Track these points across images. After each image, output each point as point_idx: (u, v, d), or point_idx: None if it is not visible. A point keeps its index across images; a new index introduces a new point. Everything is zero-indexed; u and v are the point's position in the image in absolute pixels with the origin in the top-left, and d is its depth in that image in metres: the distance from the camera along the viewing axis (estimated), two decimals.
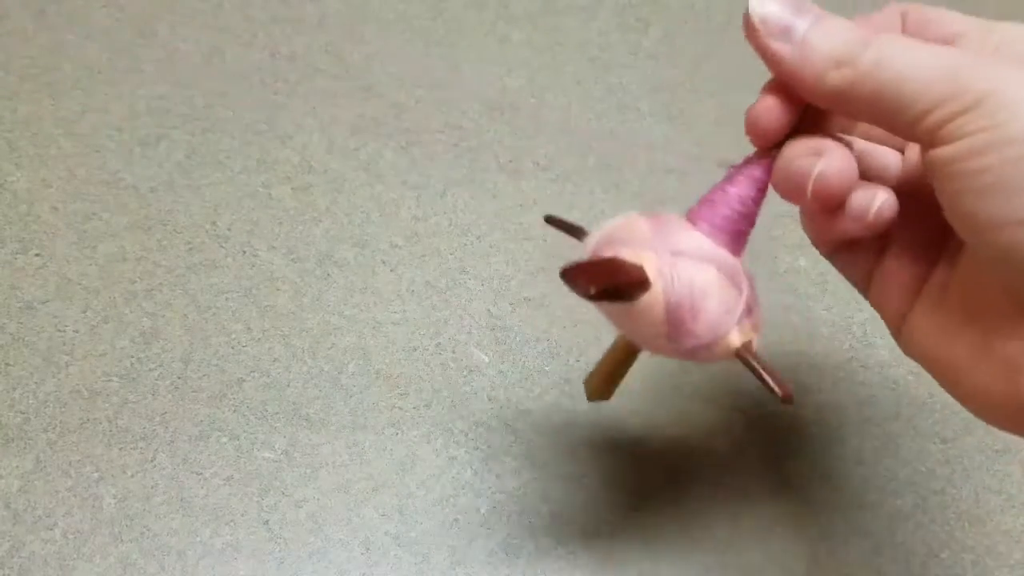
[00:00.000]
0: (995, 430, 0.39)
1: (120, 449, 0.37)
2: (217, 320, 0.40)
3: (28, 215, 0.43)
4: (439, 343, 0.40)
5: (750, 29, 0.25)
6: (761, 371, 0.25)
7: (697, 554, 0.36)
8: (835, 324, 0.42)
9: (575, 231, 0.30)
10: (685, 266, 0.25)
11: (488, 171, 0.46)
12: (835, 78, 0.24)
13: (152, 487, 0.36)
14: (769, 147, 0.26)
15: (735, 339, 0.26)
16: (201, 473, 0.36)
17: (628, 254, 0.25)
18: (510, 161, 0.47)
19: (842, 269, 0.30)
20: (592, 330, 0.41)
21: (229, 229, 0.43)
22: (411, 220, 0.44)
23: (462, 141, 0.48)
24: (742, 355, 0.26)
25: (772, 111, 0.26)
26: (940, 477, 0.38)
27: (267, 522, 0.35)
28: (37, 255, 0.42)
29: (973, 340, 0.25)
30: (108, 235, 0.43)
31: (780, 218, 0.45)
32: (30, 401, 0.37)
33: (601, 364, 0.31)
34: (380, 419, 0.38)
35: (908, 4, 0.27)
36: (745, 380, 0.40)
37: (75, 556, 0.34)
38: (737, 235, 0.26)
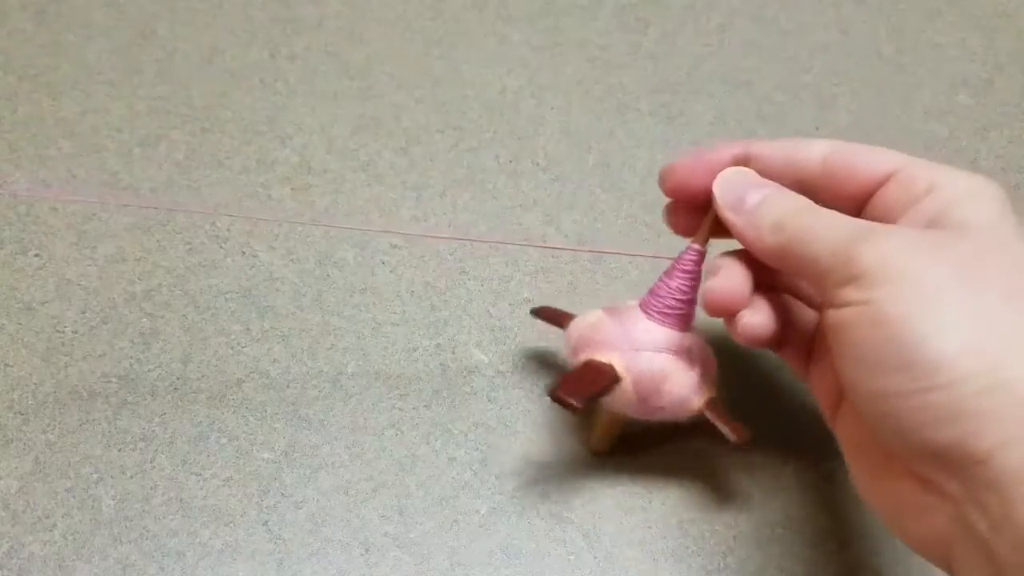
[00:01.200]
0: None
1: (119, 450, 0.37)
2: (216, 321, 0.40)
3: (28, 215, 0.43)
4: (439, 343, 0.40)
5: (714, 201, 0.31)
6: (717, 423, 0.33)
7: (697, 556, 0.36)
8: None
9: (558, 319, 0.36)
10: (646, 357, 0.32)
11: (488, 171, 0.46)
12: (769, 242, 0.28)
13: (151, 488, 0.36)
14: (693, 237, 0.33)
15: (696, 403, 0.33)
16: (200, 474, 0.36)
17: (600, 356, 0.33)
18: (510, 161, 0.47)
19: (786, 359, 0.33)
20: None
21: (229, 229, 0.43)
22: (411, 220, 0.44)
23: (462, 141, 0.47)
24: (704, 412, 0.33)
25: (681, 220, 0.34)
26: None
27: (267, 523, 0.35)
28: (37, 255, 0.42)
29: (871, 465, 0.28)
30: (108, 235, 0.43)
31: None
32: (29, 402, 0.37)
33: (596, 427, 0.37)
34: (380, 419, 0.38)
35: (832, 145, 0.30)
36: (744, 382, 0.40)
37: (74, 557, 0.34)
38: (681, 317, 0.33)
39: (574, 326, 0.34)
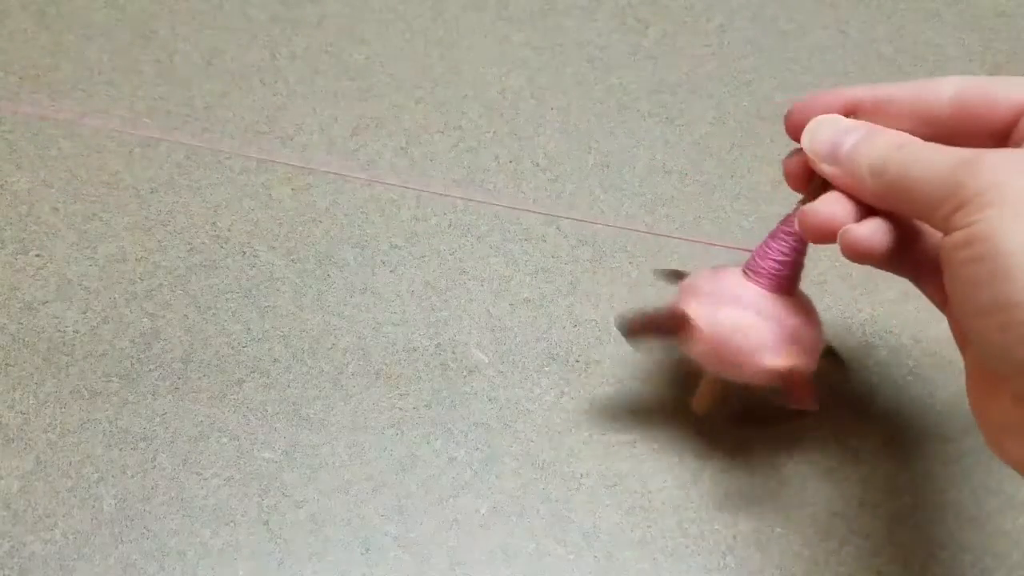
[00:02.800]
0: None
1: (120, 450, 0.37)
2: (217, 321, 0.40)
3: (28, 216, 0.43)
4: (439, 343, 0.40)
5: (808, 156, 0.30)
6: (789, 390, 0.32)
7: (697, 556, 0.36)
8: (835, 324, 0.42)
9: (676, 276, 0.36)
10: (725, 311, 0.32)
11: (488, 171, 0.46)
12: (871, 186, 0.28)
13: (152, 488, 0.36)
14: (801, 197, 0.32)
15: (769, 361, 0.32)
16: (201, 473, 0.36)
17: (684, 304, 0.33)
18: (510, 161, 0.47)
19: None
20: (592, 331, 0.41)
21: (229, 229, 0.43)
22: (411, 220, 0.44)
23: (462, 141, 0.48)
24: (783, 378, 0.32)
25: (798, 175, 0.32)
26: (940, 477, 0.38)
27: (267, 523, 0.35)
28: (37, 255, 0.42)
29: (984, 386, 0.28)
30: (108, 236, 0.43)
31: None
32: (30, 401, 0.37)
33: (699, 387, 0.37)
34: (380, 419, 0.38)
35: (963, 81, 0.29)
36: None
37: (75, 557, 0.34)
38: (778, 278, 0.32)
39: (683, 282, 0.35)
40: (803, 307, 0.33)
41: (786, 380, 0.32)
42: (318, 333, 0.40)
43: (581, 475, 0.37)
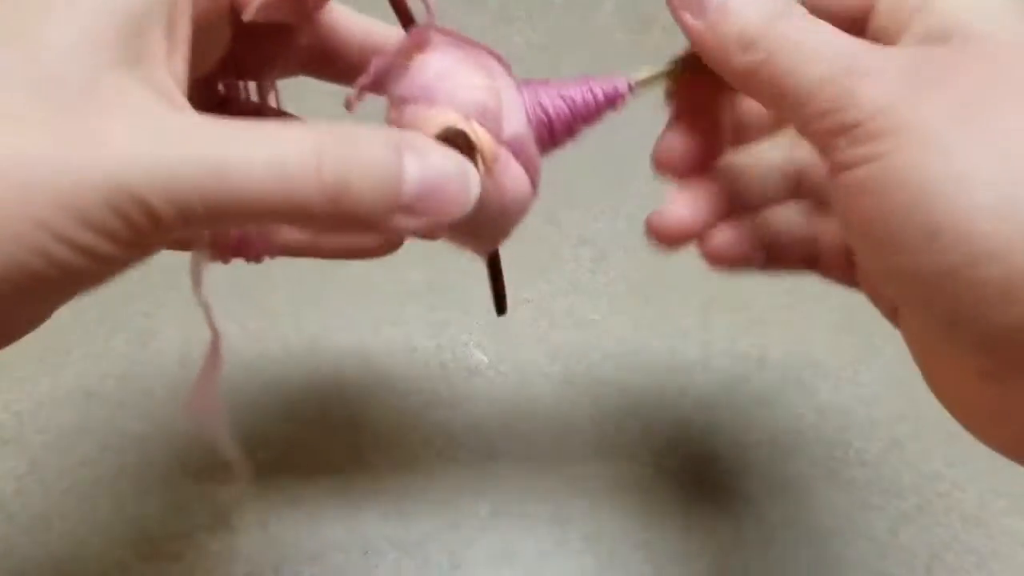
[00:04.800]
0: None
1: (116, 451, 0.36)
2: (215, 320, 0.40)
3: None
4: (439, 343, 0.40)
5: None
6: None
7: (699, 557, 0.35)
8: (839, 325, 0.42)
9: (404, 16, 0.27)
10: (507, 153, 0.24)
11: None
12: (739, 62, 0.22)
13: (148, 490, 0.36)
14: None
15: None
16: (199, 473, 0.36)
17: (453, 116, 0.24)
18: None
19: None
20: (593, 330, 0.41)
21: None
22: None
23: None
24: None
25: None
26: (944, 479, 0.38)
27: (267, 522, 0.35)
28: None
29: (940, 364, 0.24)
30: None
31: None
32: (25, 403, 0.37)
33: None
34: (380, 420, 0.38)
35: None
36: (747, 384, 0.40)
37: (70, 559, 0.34)
38: (555, 133, 0.26)
39: (426, 59, 0.26)
40: (535, 167, 0.26)
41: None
42: (318, 333, 0.40)
43: (581, 476, 0.37)
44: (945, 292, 0.19)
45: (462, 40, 0.26)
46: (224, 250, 0.27)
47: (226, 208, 0.18)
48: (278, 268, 0.42)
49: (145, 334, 0.39)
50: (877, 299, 0.26)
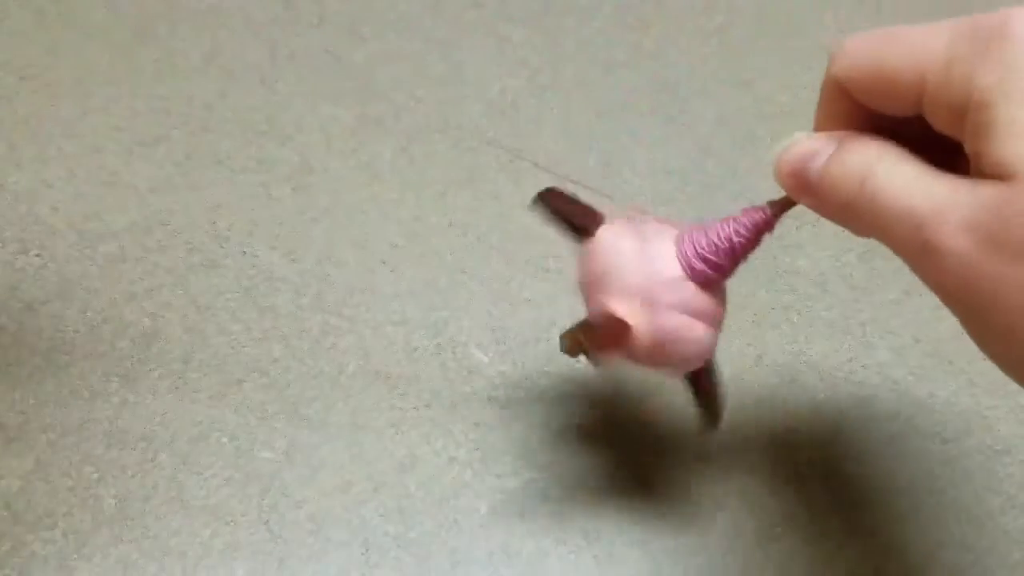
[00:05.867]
0: (996, 431, 0.39)
1: (120, 449, 0.37)
2: (217, 320, 0.40)
3: (28, 215, 0.43)
4: (439, 343, 0.40)
5: (779, 170, 0.27)
6: (699, 396, 0.31)
7: (697, 555, 0.36)
8: (835, 324, 0.42)
9: (573, 214, 0.32)
10: (666, 317, 0.28)
11: (488, 171, 0.46)
12: (848, 204, 0.24)
13: (152, 487, 0.36)
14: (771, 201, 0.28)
15: (696, 366, 0.30)
16: (201, 473, 0.36)
17: (616, 302, 0.29)
18: (510, 161, 0.47)
19: None
20: None
21: (229, 229, 0.43)
22: (411, 220, 0.44)
23: (462, 141, 0.48)
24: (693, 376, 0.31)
25: None
26: (940, 477, 0.38)
27: (267, 522, 0.35)
28: (37, 255, 0.42)
29: None
30: (108, 235, 0.43)
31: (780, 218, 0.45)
32: (30, 401, 0.37)
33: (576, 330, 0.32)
34: (380, 419, 0.38)
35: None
36: (743, 383, 0.40)
37: (75, 556, 0.34)
38: (722, 270, 0.29)
39: (597, 246, 0.30)
40: (724, 301, 0.30)
41: (701, 381, 0.31)
42: (318, 333, 0.40)
43: (581, 475, 0.37)
44: None
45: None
46: None
47: None
48: (279, 269, 0.42)
49: (149, 334, 0.40)
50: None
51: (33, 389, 0.38)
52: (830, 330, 0.42)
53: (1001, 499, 0.38)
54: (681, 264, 0.28)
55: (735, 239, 0.28)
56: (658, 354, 0.29)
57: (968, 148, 0.22)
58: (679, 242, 0.29)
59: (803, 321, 0.42)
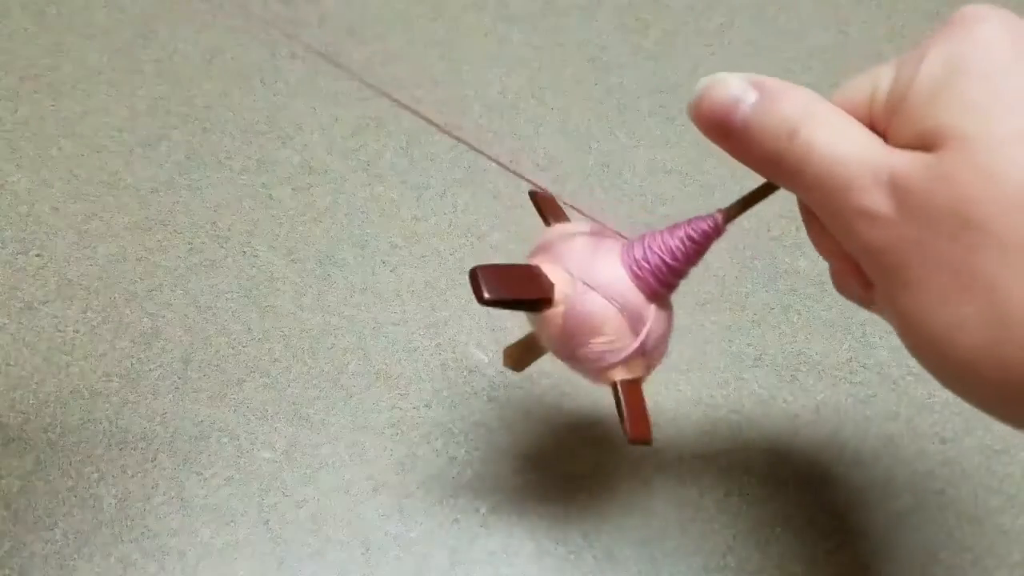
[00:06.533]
0: (994, 430, 0.39)
1: (120, 449, 0.37)
2: (217, 320, 0.40)
3: (29, 215, 0.43)
4: (439, 343, 0.40)
5: (697, 114, 0.26)
6: (621, 406, 0.28)
7: (696, 555, 0.36)
8: (835, 324, 0.42)
9: (550, 211, 0.32)
10: (592, 299, 0.27)
11: (488, 171, 0.46)
12: (786, 148, 0.23)
13: (152, 487, 0.36)
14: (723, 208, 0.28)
15: (617, 374, 0.28)
16: (201, 473, 0.36)
17: (551, 270, 0.28)
18: (510, 161, 0.47)
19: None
20: None
21: (229, 229, 0.43)
22: (411, 220, 0.44)
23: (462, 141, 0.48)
24: (615, 390, 0.28)
25: None
26: (939, 477, 0.38)
27: (267, 522, 0.35)
28: (37, 255, 0.42)
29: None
30: (108, 235, 0.43)
31: (780, 218, 0.45)
32: (30, 401, 0.38)
33: (519, 341, 0.33)
34: (380, 419, 0.38)
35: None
36: (743, 383, 0.40)
37: (75, 556, 0.34)
38: (658, 281, 0.27)
39: (554, 228, 0.30)
40: (669, 322, 0.29)
41: (624, 391, 0.28)
42: (318, 333, 0.40)
43: (581, 475, 0.37)
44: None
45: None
46: None
47: None
48: (279, 269, 0.42)
49: (149, 334, 0.40)
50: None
51: (33, 389, 0.38)
52: (830, 330, 0.42)
53: (1000, 499, 0.38)
54: (626, 269, 0.27)
55: (682, 247, 0.27)
56: (570, 338, 0.27)
57: (897, 127, 0.22)
58: (626, 248, 0.28)
59: (803, 321, 0.42)
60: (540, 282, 0.27)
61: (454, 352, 0.40)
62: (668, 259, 0.27)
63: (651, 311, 0.28)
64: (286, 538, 0.35)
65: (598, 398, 0.39)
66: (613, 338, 0.27)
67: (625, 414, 0.28)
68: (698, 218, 0.28)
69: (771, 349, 0.41)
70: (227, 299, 0.41)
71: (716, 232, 0.27)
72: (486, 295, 0.26)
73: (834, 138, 0.23)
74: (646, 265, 0.27)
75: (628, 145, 0.48)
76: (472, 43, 0.52)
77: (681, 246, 0.27)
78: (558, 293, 0.27)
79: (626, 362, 0.28)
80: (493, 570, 0.35)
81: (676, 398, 0.39)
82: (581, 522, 0.36)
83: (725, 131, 0.25)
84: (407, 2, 0.53)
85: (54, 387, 0.38)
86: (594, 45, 0.52)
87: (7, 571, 0.34)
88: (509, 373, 0.40)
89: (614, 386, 0.28)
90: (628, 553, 0.35)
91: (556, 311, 0.27)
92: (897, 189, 0.21)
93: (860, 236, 0.22)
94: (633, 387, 0.28)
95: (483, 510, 0.36)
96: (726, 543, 0.36)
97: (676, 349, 0.41)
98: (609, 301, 0.27)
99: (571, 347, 0.28)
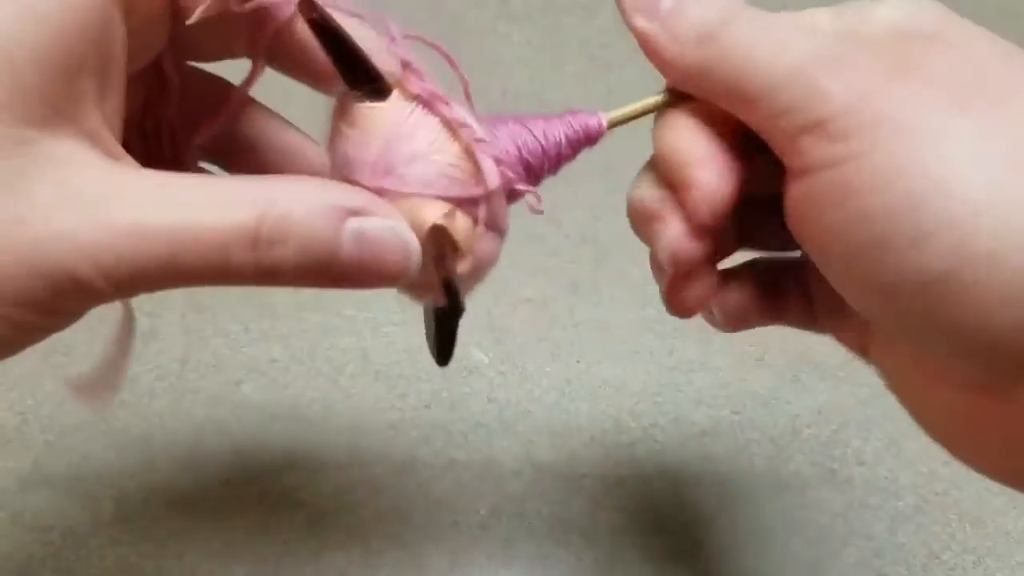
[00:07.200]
0: None
1: (118, 450, 0.37)
2: (215, 321, 0.40)
3: None
4: None
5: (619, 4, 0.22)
6: (434, 273, 0.22)
7: (698, 557, 0.35)
8: None
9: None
10: (450, 111, 0.22)
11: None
12: (693, 57, 0.21)
13: (150, 488, 0.36)
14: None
15: (431, 213, 0.21)
16: (200, 474, 0.36)
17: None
18: None
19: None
20: (593, 331, 0.41)
21: None
22: None
23: None
24: (428, 241, 0.21)
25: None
26: (942, 478, 0.38)
27: (266, 523, 0.35)
28: None
29: (923, 387, 0.24)
30: None
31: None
32: (28, 402, 0.37)
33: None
34: (380, 419, 0.38)
35: None
36: (745, 384, 0.40)
37: (73, 558, 0.34)
38: (525, 166, 0.24)
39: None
40: (503, 231, 0.24)
41: (432, 238, 0.22)
42: (318, 333, 0.40)
43: (581, 476, 0.37)
44: (935, 299, 0.18)
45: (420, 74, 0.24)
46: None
47: (155, 277, 0.18)
48: None
49: (148, 335, 0.40)
50: (842, 335, 0.25)
51: (31, 389, 0.38)
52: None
53: (1002, 500, 0.37)
54: (481, 161, 0.22)
55: (561, 145, 0.24)
56: (408, 141, 0.22)
57: None
58: (494, 129, 0.23)
59: None
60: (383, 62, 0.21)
61: (454, 352, 0.40)
62: (546, 145, 0.24)
63: (501, 185, 0.23)
64: (285, 539, 0.35)
65: (598, 399, 0.39)
66: (456, 163, 0.22)
67: (435, 274, 0.22)
68: (582, 115, 0.24)
69: (772, 349, 0.41)
70: (225, 299, 0.41)
71: (597, 135, 0.25)
72: (315, 14, 0.21)
73: (755, 35, 0.20)
74: (519, 143, 0.24)
75: (628, 145, 0.48)
76: (472, 43, 0.52)
77: (563, 140, 0.24)
78: (408, 87, 0.22)
79: (461, 206, 0.22)
80: (493, 572, 0.35)
81: (677, 398, 0.39)
82: (581, 523, 0.36)
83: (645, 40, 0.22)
84: (407, 2, 0.53)
85: (53, 388, 0.38)
86: (594, 45, 0.52)
87: (4, 573, 0.33)
88: (509, 373, 0.40)
89: (429, 234, 0.21)
90: (628, 553, 0.35)
91: (394, 110, 0.22)
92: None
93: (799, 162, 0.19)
94: (437, 231, 0.22)
95: (483, 511, 0.36)
96: (727, 543, 0.36)
97: (678, 349, 0.41)
98: (464, 125, 0.22)
99: (392, 160, 0.22)
